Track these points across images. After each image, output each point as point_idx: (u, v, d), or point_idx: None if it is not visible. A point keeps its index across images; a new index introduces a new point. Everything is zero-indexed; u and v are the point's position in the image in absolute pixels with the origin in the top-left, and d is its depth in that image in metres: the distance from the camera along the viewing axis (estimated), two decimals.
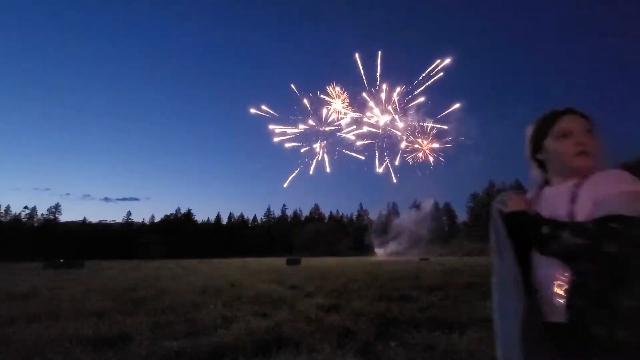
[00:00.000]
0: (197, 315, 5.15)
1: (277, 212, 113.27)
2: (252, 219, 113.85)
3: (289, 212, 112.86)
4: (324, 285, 9.36)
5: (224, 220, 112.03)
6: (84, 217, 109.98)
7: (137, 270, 20.68)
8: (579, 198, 0.99)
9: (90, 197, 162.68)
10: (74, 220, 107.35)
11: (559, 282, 0.99)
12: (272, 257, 63.25)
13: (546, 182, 1.15)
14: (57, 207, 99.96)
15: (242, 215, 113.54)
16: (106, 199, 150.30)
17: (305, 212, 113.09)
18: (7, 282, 12.36)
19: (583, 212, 0.95)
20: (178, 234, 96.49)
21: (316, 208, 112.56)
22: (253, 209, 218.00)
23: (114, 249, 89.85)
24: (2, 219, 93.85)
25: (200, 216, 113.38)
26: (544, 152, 1.14)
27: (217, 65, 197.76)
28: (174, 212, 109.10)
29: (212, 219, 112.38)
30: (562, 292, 0.96)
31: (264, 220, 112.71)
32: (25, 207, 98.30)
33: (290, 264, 27.79)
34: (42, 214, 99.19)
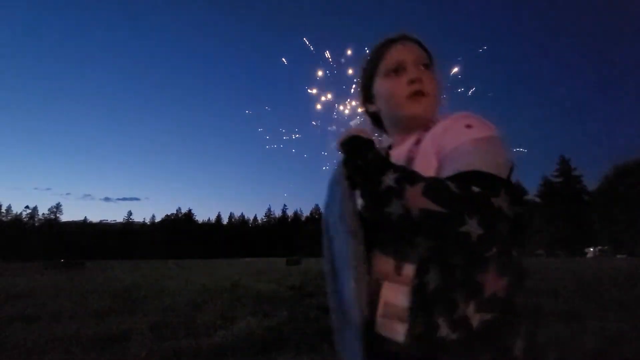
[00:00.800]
0: (197, 316, 5.15)
1: (277, 213, 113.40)
2: (253, 219, 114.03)
3: (290, 213, 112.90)
4: (324, 285, 9.29)
5: (225, 221, 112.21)
6: (85, 217, 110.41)
7: (138, 270, 20.68)
8: (416, 159, 0.67)
9: (90, 197, 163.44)
10: (74, 220, 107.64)
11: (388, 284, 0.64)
12: (273, 257, 63.26)
13: (390, 147, 0.81)
14: (57, 207, 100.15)
15: (242, 216, 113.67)
16: (107, 199, 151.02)
17: (306, 213, 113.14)
18: (7, 282, 12.37)
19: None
20: (178, 234, 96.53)
21: (317, 208, 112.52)
22: (253, 209, 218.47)
23: (114, 249, 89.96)
24: (3, 218, 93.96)
25: (200, 216, 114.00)
26: (376, 101, 0.80)
27: (218, 66, 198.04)
28: (175, 212, 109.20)
29: (213, 219, 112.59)
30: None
31: (265, 220, 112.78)
32: (26, 207, 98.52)
33: (290, 264, 27.77)
34: (43, 214, 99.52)
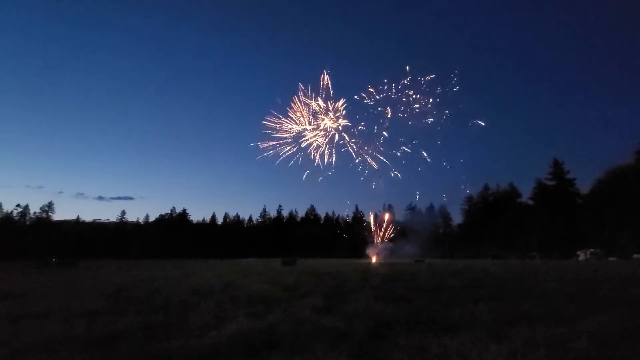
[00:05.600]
0: (189, 316, 5.11)
1: (272, 213, 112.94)
2: (248, 220, 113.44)
3: (285, 213, 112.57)
4: (318, 286, 9.34)
5: (219, 221, 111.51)
6: (78, 216, 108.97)
7: (131, 270, 20.50)
8: None
9: (84, 196, 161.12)
10: (67, 219, 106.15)
11: None
12: (268, 257, 63.09)
13: None
14: (50, 206, 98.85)
15: (237, 216, 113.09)
16: (100, 198, 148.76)
17: (301, 213, 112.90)
18: None
19: None
20: (173, 234, 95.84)
21: (312, 209, 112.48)
22: (249, 210, 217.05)
23: (107, 249, 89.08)
24: None
25: (195, 216, 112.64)
26: None
27: (213, 65, 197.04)
28: (169, 212, 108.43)
29: (208, 219, 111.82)
30: None
31: (260, 220, 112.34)
32: (18, 205, 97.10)
33: (285, 264, 27.73)
34: (35, 213, 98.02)
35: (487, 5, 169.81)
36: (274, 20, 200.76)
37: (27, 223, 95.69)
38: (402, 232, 69.59)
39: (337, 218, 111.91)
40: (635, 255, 39.18)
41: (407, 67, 40.40)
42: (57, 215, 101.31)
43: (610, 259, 40.06)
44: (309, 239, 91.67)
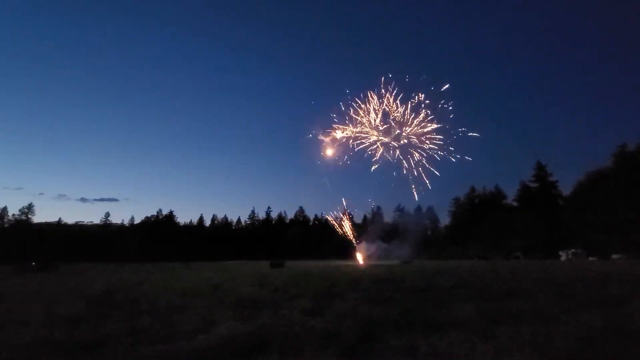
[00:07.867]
0: (177, 319, 5.02)
1: (261, 215, 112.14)
2: (236, 222, 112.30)
3: (274, 215, 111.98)
4: (307, 288, 9.31)
5: (207, 223, 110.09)
6: (59, 218, 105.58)
7: (115, 274, 20.02)
8: None
9: (65, 197, 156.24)
10: (48, 221, 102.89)
11: None
12: (256, 260, 62.61)
13: None
14: (29, 208, 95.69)
15: (225, 218, 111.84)
16: (83, 199, 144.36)
17: (290, 215, 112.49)
18: None
19: None
20: (159, 236, 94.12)
21: (301, 211, 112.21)
22: (237, 211, 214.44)
23: (91, 252, 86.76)
24: None
25: (182, 218, 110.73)
26: None
27: (199, 64, 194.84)
28: (155, 214, 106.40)
29: (195, 221, 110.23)
30: None
31: (248, 222, 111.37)
32: None
33: (274, 267, 27.57)
34: (14, 215, 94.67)
35: (472, 11, 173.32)
36: (258, 21, 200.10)
37: (6, 226, 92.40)
38: (391, 233, 70.16)
39: (327, 220, 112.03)
40: (614, 256, 40.47)
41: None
42: (38, 218, 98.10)
43: (591, 259, 41.25)
44: (298, 240, 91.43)
